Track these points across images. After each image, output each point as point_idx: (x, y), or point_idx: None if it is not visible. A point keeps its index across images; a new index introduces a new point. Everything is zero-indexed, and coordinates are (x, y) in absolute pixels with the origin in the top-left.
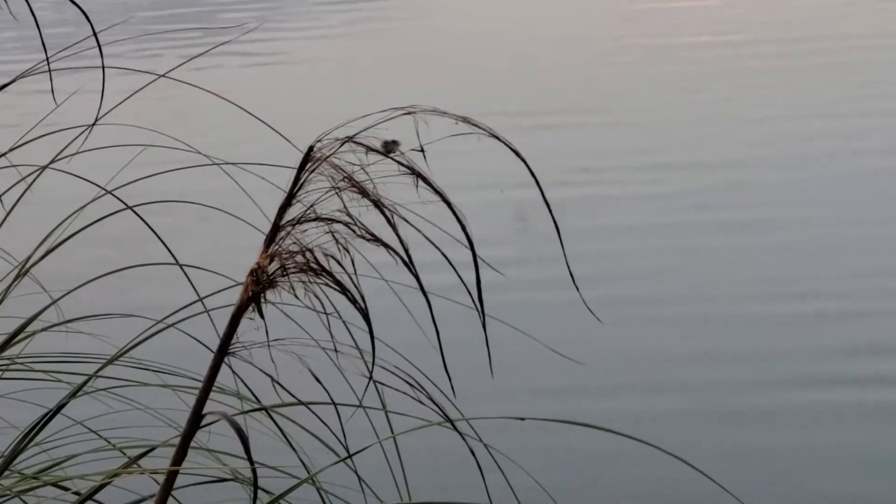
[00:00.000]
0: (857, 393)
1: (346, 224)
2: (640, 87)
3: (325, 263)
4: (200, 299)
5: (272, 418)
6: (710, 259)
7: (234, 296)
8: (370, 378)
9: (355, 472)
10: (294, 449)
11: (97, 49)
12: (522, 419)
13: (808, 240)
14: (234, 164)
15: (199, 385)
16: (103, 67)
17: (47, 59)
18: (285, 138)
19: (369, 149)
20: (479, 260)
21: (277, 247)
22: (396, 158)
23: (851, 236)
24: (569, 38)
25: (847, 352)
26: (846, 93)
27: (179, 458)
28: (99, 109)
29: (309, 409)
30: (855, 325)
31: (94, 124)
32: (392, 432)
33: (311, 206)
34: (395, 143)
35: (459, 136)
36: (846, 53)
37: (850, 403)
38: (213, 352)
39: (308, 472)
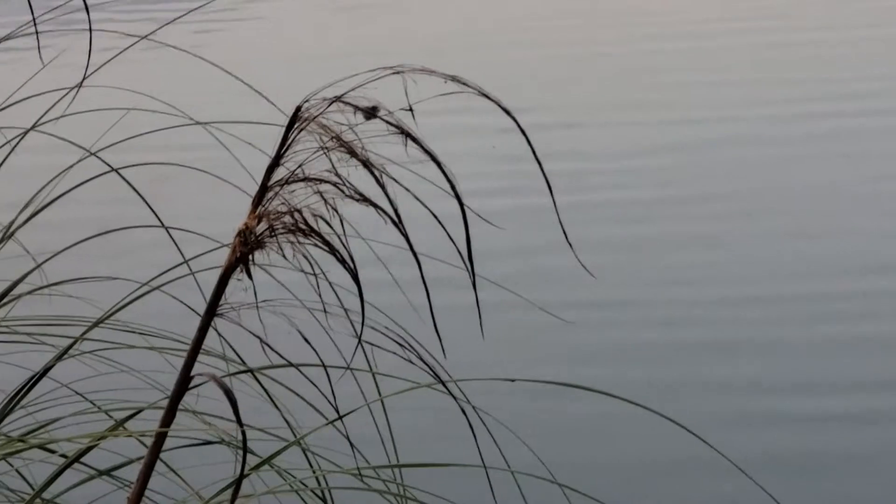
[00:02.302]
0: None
1: (334, 184)
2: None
3: (313, 224)
4: (186, 261)
5: (258, 380)
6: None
7: (219, 258)
8: (359, 339)
9: (346, 436)
10: (280, 411)
11: (79, 12)
12: (513, 380)
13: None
14: (220, 122)
15: (185, 347)
16: (90, 29)
17: (34, 19)
18: (269, 100)
19: (357, 108)
20: (470, 217)
21: (265, 207)
22: (385, 118)
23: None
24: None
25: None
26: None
27: (168, 419)
28: (86, 70)
29: (299, 370)
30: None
31: (79, 85)
32: (380, 394)
33: (300, 165)
34: (374, 109)
35: (450, 94)
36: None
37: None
38: (198, 314)
39: (295, 435)
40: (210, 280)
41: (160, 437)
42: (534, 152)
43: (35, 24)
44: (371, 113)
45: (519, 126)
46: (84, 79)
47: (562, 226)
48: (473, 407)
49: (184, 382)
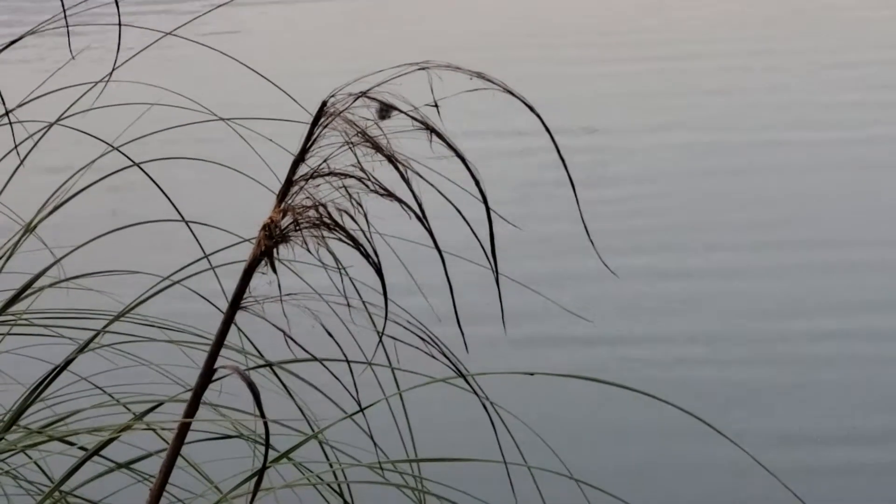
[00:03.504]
0: None
1: (359, 179)
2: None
3: (338, 218)
4: (206, 256)
5: (276, 374)
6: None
7: (240, 253)
8: (381, 335)
9: (368, 432)
10: (299, 406)
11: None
12: (531, 374)
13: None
14: (245, 118)
15: (204, 341)
16: (119, 25)
17: (64, 11)
18: (293, 98)
19: (380, 102)
20: (493, 215)
21: (290, 202)
22: (410, 114)
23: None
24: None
25: None
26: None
27: (191, 412)
28: (114, 64)
29: (323, 365)
30: None
31: (108, 78)
32: (398, 388)
33: (325, 160)
34: (390, 107)
35: (475, 91)
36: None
37: None
38: (218, 308)
39: (313, 429)
40: (231, 275)
41: (183, 430)
42: (557, 149)
43: (66, 17)
44: (386, 109)
45: (543, 122)
46: (112, 71)
47: (584, 223)
48: (492, 402)
49: (207, 375)
